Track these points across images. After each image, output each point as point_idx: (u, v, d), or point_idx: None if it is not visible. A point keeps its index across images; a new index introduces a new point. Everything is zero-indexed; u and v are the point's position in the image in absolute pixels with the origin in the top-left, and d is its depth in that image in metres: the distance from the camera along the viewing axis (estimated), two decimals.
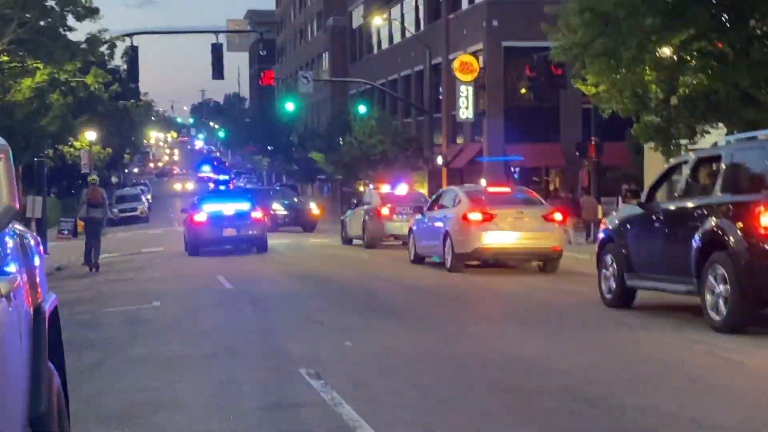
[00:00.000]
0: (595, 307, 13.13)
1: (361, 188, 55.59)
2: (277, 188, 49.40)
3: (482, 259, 19.53)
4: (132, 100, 40.93)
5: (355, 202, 32.48)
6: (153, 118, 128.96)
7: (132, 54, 29.89)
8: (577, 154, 33.83)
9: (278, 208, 42.35)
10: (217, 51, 30.76)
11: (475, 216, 18.99)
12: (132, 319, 13.49)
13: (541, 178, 46.03)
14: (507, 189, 20.83)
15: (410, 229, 22.54)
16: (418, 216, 22.51)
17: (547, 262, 19.45)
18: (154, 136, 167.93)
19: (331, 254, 26.20)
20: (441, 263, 20.37)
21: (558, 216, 19.33)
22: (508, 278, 18.27)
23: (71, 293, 17.72)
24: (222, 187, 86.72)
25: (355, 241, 30.47)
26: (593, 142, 31.99)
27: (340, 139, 54.01)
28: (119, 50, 30.67)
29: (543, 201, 20.17)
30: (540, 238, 18.95)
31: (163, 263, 24.42)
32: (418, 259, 21.91)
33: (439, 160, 45.49)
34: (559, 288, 16.38)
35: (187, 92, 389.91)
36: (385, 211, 28.14)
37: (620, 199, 31.16)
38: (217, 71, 31.15)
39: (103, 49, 27.94)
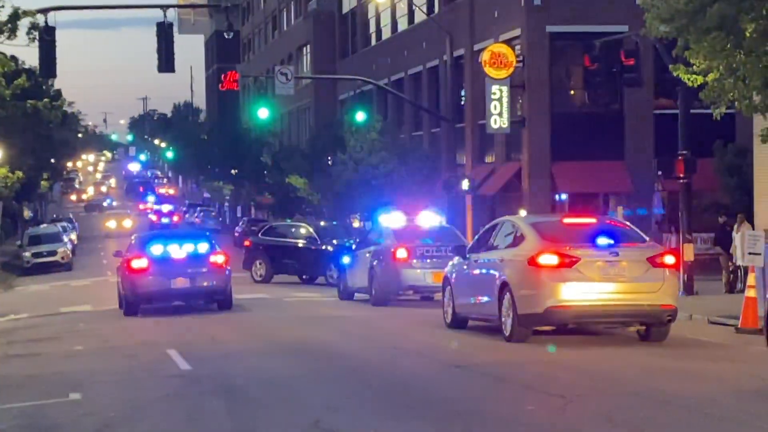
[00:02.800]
0: None
1: (356, 224, 53.31)
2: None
3: (558, 323, 17.08)
4: (46, 99, 38.33)
5: (356, 240, 29.95)
6: (80, 135, 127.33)
7: (47, 37, 27.43)
8: (660, 173, 31.48)
9: None
10: (164, 33, 28.39)
11: (549, 259, 16.56)
12: (34, 423, 11.40)
13: (600, 208, 43.70)
14: (592, 220, 18.32)
15: (445, 279, 20.15)
16: (457, 260, 20.00)
17: (652, 326, 16.97)
18: (82, 157, 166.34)
19: (327, 315, 24.09)
20: (485, 326, 17.82)
21: (670, 259, 16.87)
22: (600, 352, 15.97)
23: None
24: (165, 221, 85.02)
25: (358, 295, 28.44)
26: (682, 157, 29.58)
27: (329, 158, 51.74)
28: (26, 31, 27.99)
29: (644, 236, 17.64)
30: (645, 291, 16.64)
31: (90, 329, 22.44)
32: (459, 322, 19.56)
33: (465, 184, 43.19)
34: (689, 369, 13.81)
35: (125, 102, 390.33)
36: (401, 253, 25.93)
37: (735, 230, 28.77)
38: (166, 61, 28.76)
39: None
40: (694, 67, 21.09)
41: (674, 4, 19.99)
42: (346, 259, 29.16)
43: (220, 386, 13.07)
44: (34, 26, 27.98)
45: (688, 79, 21.87)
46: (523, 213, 39.12)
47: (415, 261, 25.76)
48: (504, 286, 17.31)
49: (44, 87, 66.33)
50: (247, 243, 41.10)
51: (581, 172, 42.02)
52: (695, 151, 32.63)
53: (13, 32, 26.39)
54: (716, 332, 19.26)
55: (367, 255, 27.06)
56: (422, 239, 26.48)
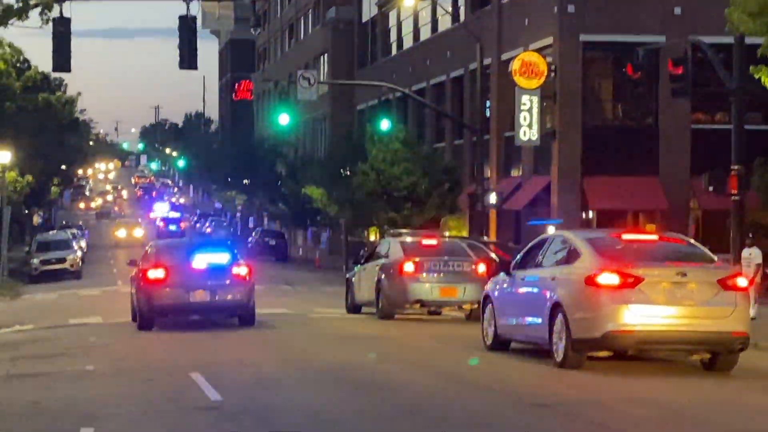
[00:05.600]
0: None
1: (372, 236, 51.88)
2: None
3: (619, 349, 15.66)
4: (58, 92, 36.75)
5: (365, 254, 29.07)
6: (91, 142, 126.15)
7: (61, 28, 25.93)
8: (711, 188, 29.89)
9: None
10: (187, 26, 26.84)
11: (610, 279, 15.11)
12: None
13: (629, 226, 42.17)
14: (653, 236, 16.88)
15: (486, 297, 18.72)
16: (500, 277, 18.60)
17: (720, 355, 15.57)
18: (93, 165, 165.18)
19: (346, 331, 22.92)
20: (528, 348, 16.37)
21: (742, 281, 15.43)
22: (664, 382, 14.57)
23: None
24: (172, 228, 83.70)
25: (365, 308, 27.87)
26: (735, 172, 27.82)
27: (347, 169, 50.26)
28: (39, 12, 26.29)
29: (713, 256, 16.17)
30: (715, 316, 15.16)
31: (101, 345, 20.74)
32: (501, 344, 18.11)
33: (493, 198, 41.74)
34: None
35: (137, 111, 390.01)
36: (408, 267, 25.60)
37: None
38: (188, 57, 27.15)
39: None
40: None
41: None
42: (352, 272, 28.69)
43: (263, 426, 11.28)
44: (47, 6, 26.31)
45: None
46: (551, 230, 37.71)
47: (423, 275, 25.55)
48: (556, 307, 15.86)
49: (57, 93, 65.23)
50: None
51: (613, 188, 40.59)
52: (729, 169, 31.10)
53: (24, 12, 24.65)
54: None
55: (376, 268, 26.58)
56: (430, 253, 26.16)
